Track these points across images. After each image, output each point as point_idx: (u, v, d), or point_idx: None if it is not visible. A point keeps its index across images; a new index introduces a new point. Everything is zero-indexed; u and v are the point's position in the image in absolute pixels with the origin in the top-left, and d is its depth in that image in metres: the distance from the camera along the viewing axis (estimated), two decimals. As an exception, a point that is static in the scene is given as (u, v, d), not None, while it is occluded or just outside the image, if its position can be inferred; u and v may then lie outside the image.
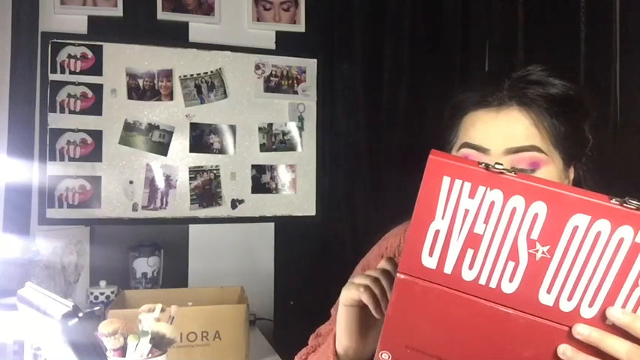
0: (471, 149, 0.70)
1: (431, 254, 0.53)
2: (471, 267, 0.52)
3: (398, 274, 0.55)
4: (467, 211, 0.51)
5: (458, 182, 0.50)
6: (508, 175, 0.49)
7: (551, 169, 0.68)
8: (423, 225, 0.53)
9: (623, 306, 0.49)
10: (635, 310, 0.49)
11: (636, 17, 1.39)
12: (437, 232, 0.52)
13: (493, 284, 0.52)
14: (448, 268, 0.53)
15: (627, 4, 1.42)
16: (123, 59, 1.99)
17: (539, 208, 0.49)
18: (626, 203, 0.47)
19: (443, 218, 0.52)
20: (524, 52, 1.81)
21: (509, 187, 0.49)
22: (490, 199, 0.50)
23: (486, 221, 0.51)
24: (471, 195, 0.50)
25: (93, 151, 1.95)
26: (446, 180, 0.51)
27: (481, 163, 0.50)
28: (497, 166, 0.50)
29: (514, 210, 0.49)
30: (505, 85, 0.70)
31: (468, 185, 0.50)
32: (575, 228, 0.48)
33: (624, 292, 0.49)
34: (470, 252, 0.52)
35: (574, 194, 0.48)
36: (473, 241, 0.51)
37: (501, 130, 0.68)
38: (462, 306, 0.53)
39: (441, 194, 0.51)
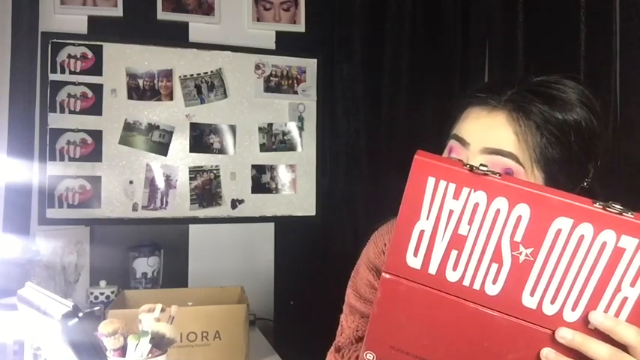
0: (456, 141, 0.72)
1: (415, 254, 0.53)
2: (454, 268, 0.52)
3: (383, 274, 0.55)
4: (451, 211, 0.51)
5: (443, 183, 0.51)
6: (492, 176, 0.50)
7: None
8: (408, 225, 0.53)
9: (606, 310, 0.49)
10: (617, 315, 0.49)
11: (636, 17, 1.39)
12: (422, 233, 0.52)
13: (477, 286, 0.52)
14: (432, 269, 0.53)
15: (627, 4, 1.42)
16: (123, 59, 1.99)
17: (523, 210, 0.49)
18: (609, 207, 0.47)
19: (428, 219, 0.52)
20: (524, 52, 1.81)
21: (493, 188, 0.49)
22: (474, 200, 0.50)
23: (470, 222, 0.51)
24: (456, 196, 0.51)
25: (93, 151, 1.95)
26: (431, 180, 0.51)
27: (465, 165, 0.51)
28: (481, 167, 0.50)
29: (498, 212, 0.50)
30: (511, 89, 0.69)
31: (452, 186, 0.50)
32: (559, 231, 0.48)
33: (607, 296, 0.49)
34: (454, 253, 0.52)
35: (557, 197, 0.48)
36: (457, 242, 0.52)
37: (483, 129, 0.69)
38: (446, 307, 0.54)
39: (425, 194, 0.51)
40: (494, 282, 0.51)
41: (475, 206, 0.50)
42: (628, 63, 1.42)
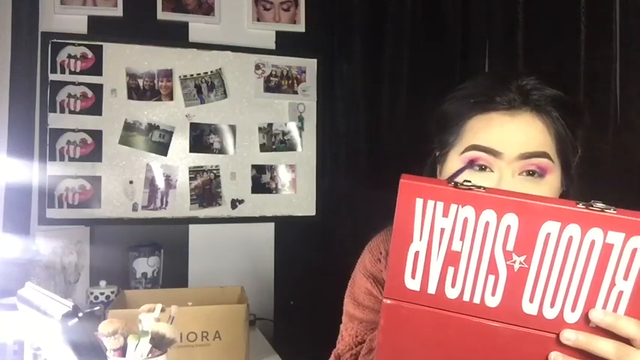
0: (480, 152, 0.68)
1: (413, 276, 0.54)
2: (453, 285, 0.53)
3: (384, 300, 0.56)
4: (442, 229, 0.52)
5: (431, 203, 0.51)
6: (477, 190, 0.51)
7: (555, 176, 0.68)
8: (403, 248, 0.53)
9: (604, 306, 0.50)
10: (615, 309, 0.50)
11: (636, 17, 1.39)
12: (417, 254, 0.53)
13: (477, 299, 0.53)
14: (432, 289, 0.54)
15: (627, 4, 1.42)
16: (123, 59, 1.99)
17: (511, 219, 0.50)
18: (592, 206, 0.48)
19: (421, 239, 0.53)
20: (524, 52, 1.81)
21: (480, 202, 0.50)
22: (463, 215, 0.51)
23: (462, 238, 0.51)
24: (445, 214, 0.51)
25: (93, 151, 1.95)
26: (419, 202, 0.52)
27: (450, 182, 0.51)
28: (465, 183, 0.51)
29: (487, 224, 0.50)
30: (512, 88, 0.69)
31: (440, 204, 0.51)
32: (548, 235, 0.49)
33: (603, 292, 0.50)
34: (451, 270, 0.53)
35: (541, 202, 0.49)
36: (452, 258, 0.52)
37: (517, 135, 0.67)
38: (449, 325, 0.54)
39: (416, 216, 0.52)
40: (493, 294, 0.52)
41: (465, 221, 0.51)
42: (628, 63, 1.41)
